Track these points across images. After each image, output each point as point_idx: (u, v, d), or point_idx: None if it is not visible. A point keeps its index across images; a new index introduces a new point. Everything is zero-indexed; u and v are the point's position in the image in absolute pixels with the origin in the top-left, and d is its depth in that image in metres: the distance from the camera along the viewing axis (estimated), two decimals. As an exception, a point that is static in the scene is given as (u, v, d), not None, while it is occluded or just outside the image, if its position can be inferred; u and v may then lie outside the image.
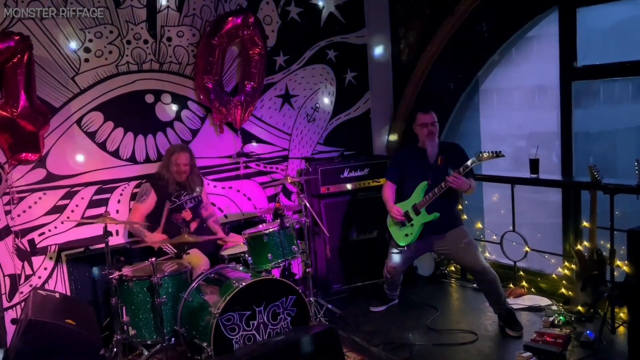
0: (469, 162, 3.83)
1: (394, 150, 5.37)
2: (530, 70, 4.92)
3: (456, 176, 3.83)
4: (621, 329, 3.71)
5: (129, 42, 4.27)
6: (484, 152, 3.82)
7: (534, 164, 4.44)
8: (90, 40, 4.12)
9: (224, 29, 4.39)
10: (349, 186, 4.92)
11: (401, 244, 4.12)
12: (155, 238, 3.97)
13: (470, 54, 4.90)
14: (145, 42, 4.34)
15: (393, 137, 5.46)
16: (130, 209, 4.33)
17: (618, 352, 3.48)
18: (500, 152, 3.77)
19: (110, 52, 4.21)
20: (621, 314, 3.79)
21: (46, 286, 4.08)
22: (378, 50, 5.43)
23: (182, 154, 4.17)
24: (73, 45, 4.06)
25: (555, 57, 4.38)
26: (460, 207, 4.63)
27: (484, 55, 4.85)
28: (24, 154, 3.87)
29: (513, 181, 4.65)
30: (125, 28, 4.25)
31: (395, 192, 4.24)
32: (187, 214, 4.20)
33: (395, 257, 4.25)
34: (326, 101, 5.26)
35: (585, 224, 4.19)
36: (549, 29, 4.44)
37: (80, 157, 4.17)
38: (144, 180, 4.30)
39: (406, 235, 4.09)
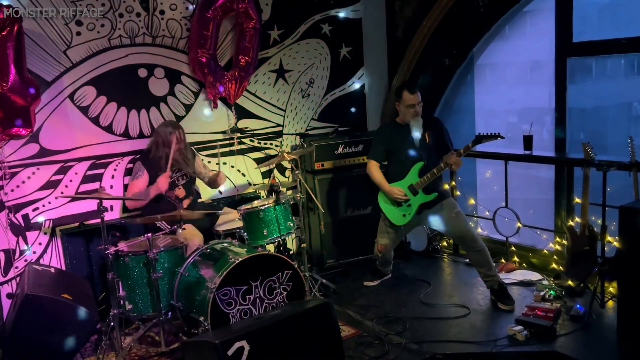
0: (470, 144, 3.84)
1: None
2: (525, 46, 4.90)
3: (459, 159, 3.88)
4: (610, 303, 3.78)
5: (121, 15, 4.20)
6: (485, 134, 3.83)
7: (528, 141, 4.46)
8: (82, 13, 4.05)
9: (218, 2, 4.32)
10: (343, 162, 4.93)
11: (398, 224, 4.14)
12: (161, 179, 3.96)
13: (466, 29, 4.87)
14: (138, 15, 4.27)
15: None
16: (124, 186, 4.32)
17: (607, 325, 3.55)
18: (499, 133, 3.81)
19: (102, 26, 4.14)
20: (611, 289, 3.86)
21: (41, 261, 4.08)
22: (373, 25, 5.38)
23: (179, 131, 4.12)
24: (64, 17, 3.99)
25: (550, 32, 4.37)
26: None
27: (479, 31, 4.83)
28: (15, 129, 3.82)
29: (507, 158, 4.67)
30: (117, 0, 4.17)
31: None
32: (180, 192, 4.18)
33: (388, 236, 4.28)
34: (320, 76, 5.23)
35: (577, 200, 4.24)
36: (545, 3, 4.41)
37: (73, 132, 4.13)
38: (137, 156, 4.28)
39: (403, 215, 4.11)
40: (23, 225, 4.02)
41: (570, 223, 4.26)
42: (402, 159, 4.12)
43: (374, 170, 4.22)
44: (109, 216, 4.21)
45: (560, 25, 4.29)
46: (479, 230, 5.09)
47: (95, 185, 4.21)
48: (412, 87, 4.12)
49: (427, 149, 4.08)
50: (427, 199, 4.04)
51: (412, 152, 4.08)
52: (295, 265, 3.63)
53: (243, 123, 4.85)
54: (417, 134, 4.07)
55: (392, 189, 4.10)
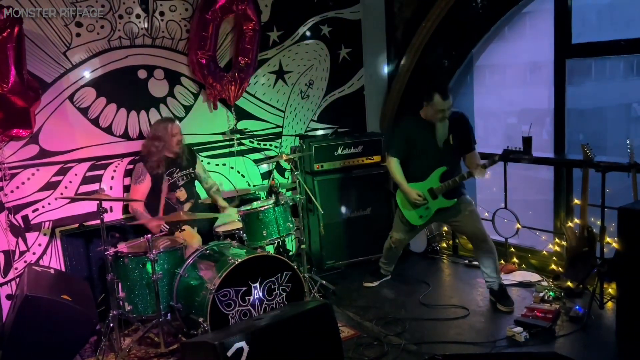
0: (496, 157, 3.76)
1: (393, 124, 5.28)
2: (524, 47, 4.91)
3: (483, 171, 3.83)
4: (609, 304, 3.78)
5: (120, 17, 4.21)
6: (512, 148, 3.72)
7: (527, 142, 4.45)
8: (82, 14, 4.05)
9: (218, 3, 4.33)
10: (342, 163, 4.93)
11: (414, 223, 4.12)
12: (154, 223, 3.96)
13: (465, 30, 4.88)
14: (138, 16, 4.28)
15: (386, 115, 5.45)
16: (124, 187, 4.32)
17: (606, 326, 3.56)
18: (529, 151, 3.72)
19: (102, 27, 4.15)
20: (610, 290, 3.86)
21: (41, 262, 4.08)
22: (372, 26, 5.38)
23: (175, 124, 4.13)
24: (64, 18, 3.99)
25: (549, 33, 4.37)
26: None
27: (479, 32, 4.83)
28: (15, 130, 3.83)
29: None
30: (117, 2, 4.18)
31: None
32: (181, 194, 4.19)
33: (403, 232, 4.26)
34: (320, 78, 5.24)
35: (576, 201, 4.24)
36: (544, 4, 4.42)
37: (73, 133, 4.13)
38: (137, 158, 4.28)
39: (420, 217, 4.08)
40: (23, 226, 4.02)
41: (570, 224, 4.26)
42: (424, 159, 4.01)
43: (394, 167, 4.07)
44: (109, 217, 4.22)
45: (559, 26, 4.29)
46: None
47: (95, 187, 4.22)
48: (446, 93, 3.85)
49: (450, 152, 3.98)
50: (446, 204, 3.98)
51: (434, 155, 3.97)
52: (295, 267, 3.64)
53: (243, 124, 4.86)
54: (441, 135, 3.94)
55: (410, 190, 4.00)
